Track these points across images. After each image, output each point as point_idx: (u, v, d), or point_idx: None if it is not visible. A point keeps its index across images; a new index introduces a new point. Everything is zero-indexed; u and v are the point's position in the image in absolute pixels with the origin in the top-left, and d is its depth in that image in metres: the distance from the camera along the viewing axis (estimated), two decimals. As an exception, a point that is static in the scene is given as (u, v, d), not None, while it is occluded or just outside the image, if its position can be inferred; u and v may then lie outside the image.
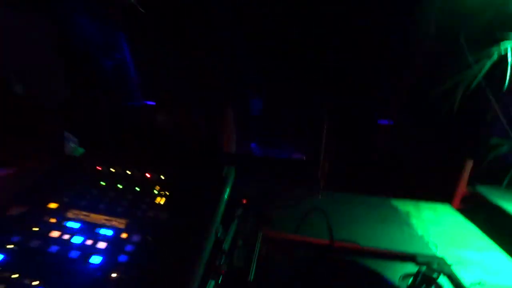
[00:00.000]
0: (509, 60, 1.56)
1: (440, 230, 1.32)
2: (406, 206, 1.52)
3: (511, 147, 1.51)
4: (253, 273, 0.79)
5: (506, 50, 1.56)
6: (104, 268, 0.59)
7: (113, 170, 0.86)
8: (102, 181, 0.82)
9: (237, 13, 2.36)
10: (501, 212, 1.43)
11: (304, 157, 2.87)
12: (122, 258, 0.62)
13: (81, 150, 0.99)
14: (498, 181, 1.58)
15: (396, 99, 2.40)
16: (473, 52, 1.68)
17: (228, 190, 0.81)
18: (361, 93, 2.39)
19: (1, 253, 0.63)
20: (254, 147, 3.07)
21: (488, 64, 1.57)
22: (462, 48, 1.76)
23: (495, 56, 1.56)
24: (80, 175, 0.85)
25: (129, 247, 0.64)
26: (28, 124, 2.60)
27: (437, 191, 1.66)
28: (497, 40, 1.66)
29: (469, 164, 1.69)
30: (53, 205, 0.75)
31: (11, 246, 0.65)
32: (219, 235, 0.73)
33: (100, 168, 0.87)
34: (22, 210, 0.74)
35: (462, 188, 1.67)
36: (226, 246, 0.76)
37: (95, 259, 0.61)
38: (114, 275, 0.58)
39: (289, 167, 2.18)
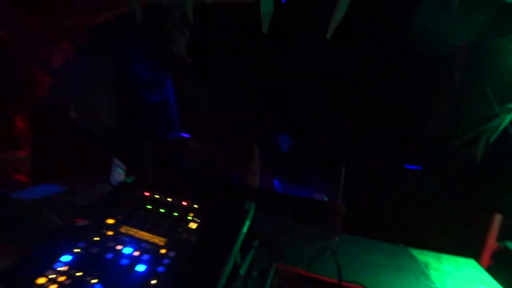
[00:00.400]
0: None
1: (459, 285, 1.29)
2: (425, 257, 1.51)
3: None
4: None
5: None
6: (146, 276, 0.75)
7: (157, 197, 1.06)
8: (149, 205, 1.01)
9: (269, 67, 2.66)
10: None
11: (325, 198, 2.91)
12: (161, 269, 0.77)
13: (130, 178, 1.21)
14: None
15: (421, 144, 2.43)
16: (498, 103, 1.74)
17: (248, 222, 0.95)
18: (386, 138, 2.46)
19: (70, 255, 0.82)
20: (276, 183, 3.19)
21: (510, 117, 1.61)
22: (489, 100, 1.82)
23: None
24: (131, 198, 1.05)
25: (166, 261, 0.79)
26: (78, 147, 3.01)
27: (462, 244, 1.62)
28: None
29: (498, 218, 1.65)
30: (110, 221, 0.95)
31: (78, 250, 0.84)
32: (237, 260, 0.86)
33: (147, 194, 1.07)
34: (87, 223, 0.94)
35: (490, 243, 1.61)
36: (242, 271, 0.88)
37: (140, 267, 0.77)
38: (153, 282, 0.73)
39: (308, 206, 2.25)
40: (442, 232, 1.74)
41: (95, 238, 0.87)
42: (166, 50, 3.21)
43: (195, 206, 1.01)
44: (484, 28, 1.84)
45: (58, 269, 0.77)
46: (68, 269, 0.77)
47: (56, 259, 0.80)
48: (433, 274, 1.35)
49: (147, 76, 3.31)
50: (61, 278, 0.74)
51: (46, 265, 0.78)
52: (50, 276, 0.74)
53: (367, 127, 2.50)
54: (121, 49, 2.96)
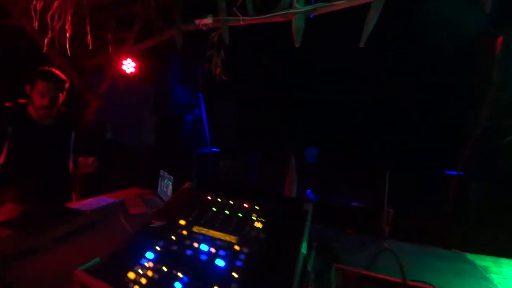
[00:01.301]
0: None
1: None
2: (483, 261, 1.44)
3: None
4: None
5: None
6: (227, 269, 0.81)
7: (219, 200, 1.14)
8: (213, 207, 1.09)
9: (300, 80, 2.76)
10: None
11: (361, 205, 2.87)
12: (239, 263, 0.83)
13: (192, 184, 1.30)
14: None
15: (463, 150, 2.36)
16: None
17: (309, 220, 1.00)
18: (427, 144, 2.42)
19: (153, 252, 0.90)
20: (309, 193, 3.19)
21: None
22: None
23: None
24: (196, 202, 1.14)
25: (242, 256, 0.86)
26: (126, 165, 3.21)
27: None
28: None
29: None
30: (182, 222, 1.03)
31: (159, 248, 0.92)
32: (305, 257, 0.90)
33: (210, 198, 1.15)
34: (162, 224, 1.03)
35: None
36: (309, 267, 0.92)
37: (220, 262, 0.84)
38: (235, 275, 0.79)
39: (350, 213, 2.23)
40: (496, 236, 1.65)
41: (172, 237, 0.96)
42: (202, 71, 3.44)
43: (257, 207, 1.07)
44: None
45: (145, 264, 0.85)
46: (154, 265, 0.85)
47: (142, 256, 0.88)
48: (494, 278, 1.30)
49: (184, 97, 3.55)
50: (149, 273, 0.82)
51: (134, 261, 0.87)
52: (139, 271, 0.83)
53: (406, 133, 2.48)
54: (162, 74, 3.23)
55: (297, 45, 2.02)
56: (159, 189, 2.21)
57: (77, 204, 1.95)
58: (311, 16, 2.16)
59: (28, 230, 1.43)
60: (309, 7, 1.97)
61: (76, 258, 1.27)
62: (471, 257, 1.49)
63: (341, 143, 3.09)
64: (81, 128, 2.21)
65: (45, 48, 2.29)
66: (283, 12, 2.05)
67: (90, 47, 2.37)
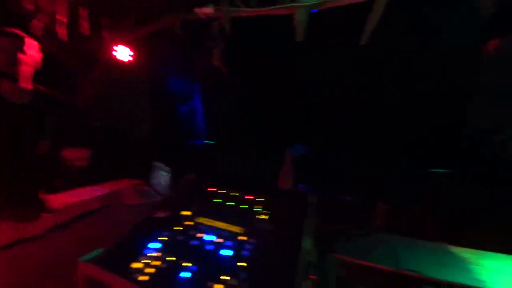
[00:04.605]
0: None
1: (504, 279, 1.32)
2: (465, 253, 1.54)
3: None
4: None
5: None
6: (235, 258, 0.83)
7: (223, 192, 1.15)
8: (217, 199, 1.11)
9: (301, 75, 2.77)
10: None
11: (351, 200, 2.95)
12: (245, 253, 0.85)
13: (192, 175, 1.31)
14: None
15: (452, 148, 2.46)
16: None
17: (313, 212, 1.03)
18: (414, 142, 2.51)
19: (159, 242, 0.91)
20: (302, 188, 3.25)
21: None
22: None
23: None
24: (199, 193, 1.15)
25: (248, 246, 0.88)
26: (115, 155, 3.15)
27: (500, 243, 1.64)
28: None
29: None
30: (186, 213, 1.04)
31: (164, 238, 0.93)
32: (308, 247, 0.93)
33: (212, 189, 1.17)
34: (165, 214, 1.04)
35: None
36: (311, 258, 0.95)
37: (227, 252, 0.86)
38: (242, 264, 0.82)
39: (344, 207, 2.30)
40: (482, 231, 1.76)
41: (177, 228, 0.97)
42: (200, 62, 3.38)
43: (261, 199, 1.10)
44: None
45: (150, 254, 0.86)
46: (160, 255, 0.86)
47: (147, 246, 0.89)
48: (475, 269, 1.39)
49: (180, 87, 3.48)
50: (156, 263, 0.83)
51: (140, 252, 0.87)
52: (144, 261, 0.83)
53: (394, 130, 2.55)
54: (158, 63, 3.15)
55: (299, 40, 2.02)
56: (152, 180, 2.20)
57: (68, 193, 1.91)
58: (314, 11, 2.16)
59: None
60: (314, 1, 1.96)
61: (74, 247, 1.27)
62: (454, 249, 1.59)
63: (335, 140, 3.14)
64: (68, 114, 2.12)
65: (41, 32, 2.19)
66: (286, 5, 2.04)
67: (87, 32, 2.28)
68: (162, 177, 2.03)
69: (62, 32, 2.23)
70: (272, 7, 2.14)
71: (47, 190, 1.84)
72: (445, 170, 2.62)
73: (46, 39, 2.35)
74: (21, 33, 1.64)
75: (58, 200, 1.68)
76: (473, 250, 1.57)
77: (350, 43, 2.03)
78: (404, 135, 2.83)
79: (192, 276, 0.78)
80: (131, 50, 2.86)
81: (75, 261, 1.15)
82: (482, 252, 1.56)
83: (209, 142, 3.92)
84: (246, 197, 1.12)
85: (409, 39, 2.25)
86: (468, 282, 1.24)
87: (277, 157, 3.18)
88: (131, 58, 2.88)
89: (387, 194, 1.91)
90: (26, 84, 1.72)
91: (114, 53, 2.73)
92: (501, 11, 1.68)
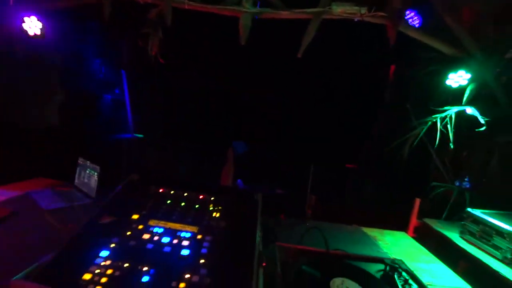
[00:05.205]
0: (438, 125, 2.20)
1: (399, 249, 1.73)
2: (373, 232, 1.93)
3: (446, 189, 2.06)
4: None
5: (436, 118, 2.21)
6: (193, 257, 0.86)
7: (173, 192, 1.14)
8: (168, 200, 1.09)
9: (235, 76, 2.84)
10: (441, 237, 1.91)
11: (284, 192, 3.25)
12: (204, 250, 0.89)
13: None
14: (439, 215, 2.11)
15: (362, 149, 2.99)
16: (417, 117, 2.32)
17: (260, 208, 1.13)
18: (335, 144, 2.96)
19: (108, 250, 0.86)
20: (239, 182, 3.38)
21: (425, 128, 2.19)
22: (408, 114, 2.40)
23: (429, 123, 2.19)
24: (147, 195, 1.10)
25: (205, 244, 0.91)
26: (20, 149, 2.63)
27: (397, 223, 2.12)
28: (430, 111, 2.32)
29: (418, 202, 2.20)
30: (135, 216, 1.00)
31: (114, 245, 0.88)
32: (259, 239, 1.03)
33: (162, 190, 1.14)
34: (112, 219, 0.97)
35: (413, 220, 2.14)
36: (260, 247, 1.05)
37: (185, 252, 0.87)
38: (202, 261, 0.85)
39: (276, 200, 2.52)
40: (382, 214, 2.22)
41: (127, 233, 0.92)
42: (128, 48, 3.06)
43: (212, 198, 1.13)
44: (410, 60, 2.44)
45: (102, 263, 0.81)
46: (111, 262, 0.82)
47: (95, 255, 0.83)
48: (380, 244, 1.77)
49: (104, 74, 3.07)
50: (109, 271, 0.79)
51: (87, 262, 0.81)
52: (96, 271, 0.78)
53: (324, 133, 2.94)
54: (78, 43, 2.70)
55: (243, 43, 2.09)
56: (76, 180, 1.94)
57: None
58: (255, 17, 2.26)
59: None
60: (256, 9, 2.06)
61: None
62: (365, 230, 1.97)
63: (267, 138, 3.38)
64: None
65: None
66: (231, 7, 2.07)
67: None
68: (89, 176, 1.81)
69: None
70: (217, 6, 2.14)
71: None
72: (357, 166, 3.18)
73: None
74: None
75: None
76: (378, 230, 1.97)
77: (287, 54, 2.22)
78: (325, 136, 3.28)
79: (152, 279, 0.78)
80: (41, 24, 2.40)
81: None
82: (384, 230, 1.98)
83: (137, 135, 3.63)
84: (198, 196, 1.14)
85: (333, 58, 2.63)
86: (377, 254, 1.57)
87: (215, 154, 3.21)
88: (40, 33, 2.41)
89: (311, 186, 2.18)
90: None
91: (22, 24, 2.24)
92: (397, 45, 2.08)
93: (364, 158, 3.03)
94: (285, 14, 2.09)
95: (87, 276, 0.76)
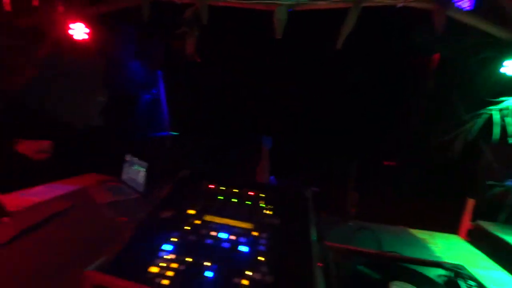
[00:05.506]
0: (494, 119, 2.01)
1: (453, 253, 1.61)
2: (422, 235, 1.81)
3: (502, 189, 1.88)
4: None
5: (491, 111, 2.02)
6: (252, 254, 0.85)
7: (223, 188, 1.14)
8: (219, 196, 1.10)
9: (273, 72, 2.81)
10: (499, 241, 1.75)
11: (318, 189, 3.19)
12: (262, 248, 0.88)
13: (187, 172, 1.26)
14: (494, 217, 1.93)
15: (401, 145, 2.83)
16: (468, 111, 2.14)
17: (312, 205, 1.10)
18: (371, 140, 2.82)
19: (170, 244, 0.88)
20: (272, 179, 3.36)
21: (481, 121, 2.01)
22: (456, 107, 2.22)
23: (485, 115, 2.01)
24: (199, 191, 1.12)
25: (262, 241, 0.90)
26: (67, 147, 2.81)
27: (446, 224, 1.98)
28: (482, 102, 2.13)
29: (471, 203, 2.03)
30: (191, 211, 1.01)
31: (175, 239, 0.90)
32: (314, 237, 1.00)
33: (213, 187, 1.15)
34: (170, 214, 0.99)
35: (466, 222, 1.99)
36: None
37: (243, 248, 0.87)
38: (261, 258, 0.84)
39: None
40: (431, 215, 2.08)
41: (186, 228, 0.94)
42: (166, 49, 3.15)
43: (262, 195, 1.12)
44: (457, 47, 2.25)
45: (165, 257, 0.83)
46: (175, 256, 0.83)
47: (159, 249, 0.85)
48: (431, 247, 1.66)
49: (142, 74, 3.20)
50: (174, 265, 0.80)
51: (152, 255, 0.83)
52: (162, 265, 0.80)
53: (356, 128, 2.83)
54: (119, 45, 2.84)
55: (278, 37, 2.06)
56: (124, 176, 2.04)
57: (28, 192, 1.66)
58: (289, 10, 2.21)
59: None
60: (292, 1, 2.01)
61: (50, 255, 1.13)
62: (412, 231, 1.85)
63: (300, 133, 3.31)
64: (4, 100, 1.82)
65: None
66: (266, 1, 2.04)
67: (33, 2, 1.95)
68: (136, 172, 1.89)
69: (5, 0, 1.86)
70: (252, 1, 2.12)
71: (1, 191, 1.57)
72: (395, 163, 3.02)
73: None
74: None
75: (17, 201, 1.45)
76: (427, 231, 1.85)
77: (325, 47, 2.15)
78: (363, 131, 3.14)
79: (215, 275, 0.78)
80: (87, 28, 2.54)
81: (58, 271, 1.04)
82: (434, 232, 1.85)
83: (173, 133, 3.75)
84: (248, 193, 1.13)
85: (374, 48, 2.50)
86: (428, 258, 1.47)
87: (243, 148, 3.22)
88: (86, 37, 2.55)
89: (351, 183, 2.10)
90: None
91: (68, 30, 2.39)
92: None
93: (404, 153, 2.86)
94: (322, 4, 2.02)
95: (154, 269, 0.78)
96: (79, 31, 2.45)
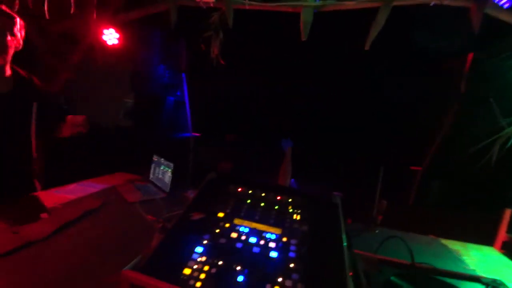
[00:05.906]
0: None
1: (489, 267, 1.51)
2: (454, 246, 1.72)
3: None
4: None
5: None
6: (283, 260, 0.85)
7: (251, 192, 1.15)
8: (247, 200, 1.10)
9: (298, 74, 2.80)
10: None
11: (341, 195, 3.12)
12: (292, 254, 0.87)
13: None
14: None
15: (429, 150, 2.70)
16: (505, 115, 2.01)
17: (341, 212, 1.08)
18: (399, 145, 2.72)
19: (201, 246, 0.89)
20: (293, 182, 3.33)
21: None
22: (494, 112, 2.09)
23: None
24: (228, 194, 1.13)
25: (292, 247, 0.90)
26: (96, 147, 2.94)
27: (480, 235, 1.86)
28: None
29: (508, 213, 1.90)
30: (221, 214, 1.03)
31: (206, 241, 0.91)
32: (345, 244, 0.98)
33: (241, 190, 1.16)
34: (201, 217, 1.01)
35: (502, 233, 1.86)
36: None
37: (273, 254, 0.87)
38: (291, 265, 0.83)
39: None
40: (462, 225, 1.97)
41: (216, 231, 0.95)
42: (190, 52, 3.23)
43: (290, 200, 1.12)
44: (493, 47, 2.12)
45: (198, 259, 0.84)
46: (206, 259, 0.84)
47: (191, 251, 0.87)
48: (465, 259, 1.56)
49: (167, 77, 3.30)
50: (206, 268, 0.82)
51: (185, 257, 0.85)
52: (194, 267, 0.81)
53: (383, 133, 2.73)
54: (146, 50, 2.95)
55: (304, 39, 2.04)
56: (151, 176, 2.10)
57: (62, 189, 1.75)
58: (315, 11, 2.18)
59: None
60: (319, 2, 1.99)
61: (88, 252, 1.18)
62: (444, 241, 1.76)
63: (323, 136, 3.26)
64: (44, 100, 1.93)
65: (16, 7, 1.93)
66: (292, 3, 2.03)
67: (72, 10, 2.07)
68: (163, 172, 1.94)
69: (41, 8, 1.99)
70: (277, 3, 2.12)
71: (37, 186, 1.68)
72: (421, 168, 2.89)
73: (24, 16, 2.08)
74: (11, 12, 1.44)
75: (52, 198, 1.54)
76: (459, 242, 1.76)
77: (352, 48, 2.11)
78: (389, 135, 3.04)
79: (246, 279, 0.78)
80: (118, 33, 2.65)
81: (97, 269, 1.08)
82: (467, 244, 1.75)
83: (195, 134, 3.82)
84: (276, 197, 1.13)
85: (405, 48, 2.41)
86: (462, 271, 1.39)
87: (264, 151, 3.21)
88: (117, 42, 2.66)
89: (379, 189, 2.03)
90: (9, 69, 1.54)
91: (102, 36, 2.51)
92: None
93: (434, 158, 2.74)
94: (350, 4, 1.98)
95: (187, 271, 0.80)
96: (110, 36, 2.57)
